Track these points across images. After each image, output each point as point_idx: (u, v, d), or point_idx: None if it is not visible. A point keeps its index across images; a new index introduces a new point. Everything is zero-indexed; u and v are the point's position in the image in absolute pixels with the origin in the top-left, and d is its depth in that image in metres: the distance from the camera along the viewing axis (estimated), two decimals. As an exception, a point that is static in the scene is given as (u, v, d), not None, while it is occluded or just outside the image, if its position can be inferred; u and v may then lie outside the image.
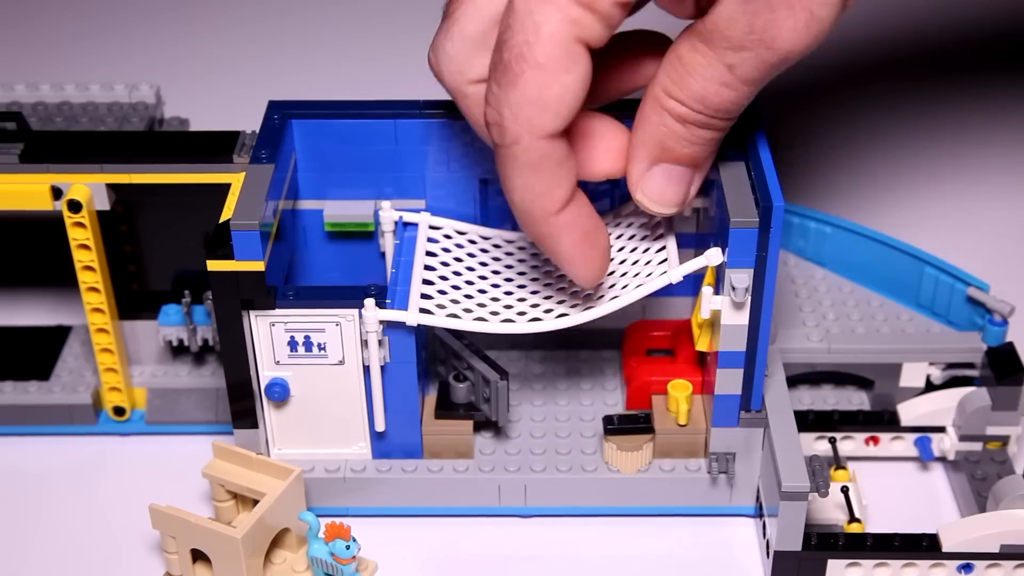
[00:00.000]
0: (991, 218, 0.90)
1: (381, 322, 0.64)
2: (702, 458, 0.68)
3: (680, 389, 0.67)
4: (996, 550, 0.64)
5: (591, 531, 0.69)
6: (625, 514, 0.69)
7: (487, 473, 0.68)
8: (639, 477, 0.68)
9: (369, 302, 0.63)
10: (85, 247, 0.69)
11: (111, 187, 0.68)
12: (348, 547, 0.63)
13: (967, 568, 0.64)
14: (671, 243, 0.65)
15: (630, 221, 0.68)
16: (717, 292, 0.62)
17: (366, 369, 0.66)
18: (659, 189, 0.60)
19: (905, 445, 0.72)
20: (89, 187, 0.68)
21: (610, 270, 0.65)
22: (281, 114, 0.69)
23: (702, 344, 0.65)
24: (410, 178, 0.71)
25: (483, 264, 0.69)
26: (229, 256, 0.62)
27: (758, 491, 0.68)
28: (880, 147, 0.97)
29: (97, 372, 0.73)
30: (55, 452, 0.74)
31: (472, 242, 0.70)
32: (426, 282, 0.67)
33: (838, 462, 0.70)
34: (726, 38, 0.54)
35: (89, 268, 0.69)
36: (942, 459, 0.72)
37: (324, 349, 0.65)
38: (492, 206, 0.71)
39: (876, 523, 0.68)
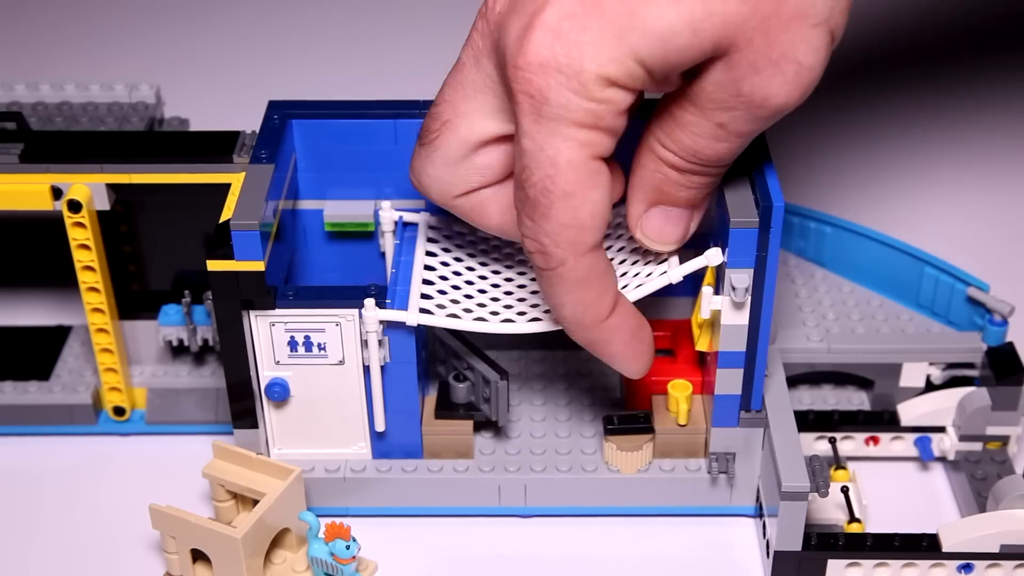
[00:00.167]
0: (991, 218, 0.90)
1: (381, 322, 0.64)
2: (702, 458, 0.68)
3: (680, 389, 0.67)
4: (996, 550, 0.64)
5: (591, 531, 0.69)
6: (625, 514, 0.69)
7: (487, 473, 0.68)
8: (639, 477, 0.68)
9: (369, 302, 0.63)
10: (85, 247, 0.69)
11: (111, 187, 0.68)
12: (348, 547, 0.63)
13: (967, 568, 0.64)
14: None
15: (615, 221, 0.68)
16: (717, 292, 0.62)
17: (366, 369, 0.66)
18: (657, 229, 0.60)
19: (905, 445, 0.72)
20: (89, 187, 0.68)
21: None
22: (281, 114, 0.69)
23: (702, 344, 0.65)
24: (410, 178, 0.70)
25: (483, 264, 0.69)
26: (229, 256, 0.62)
27: (758, 491, 0.68)
28: (880, 147, 0.97)
29: (97, 372, 0.73)
30: (55, 452, 0.74)
31: (472, 242, 0.70)
32: (426, 282, 0.67)
33: (838, 462, 0.70)
34: (714, 101, 0.54)
35: (89, 268, 0.69)
36: (942, 459, 0.72)
37: (324, 349, 0.65)
38: (492, 206, 0.71)
39: (876, 523, 0.68)
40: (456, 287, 0.67)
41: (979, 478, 0.69)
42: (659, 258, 0.63)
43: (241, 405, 0.66)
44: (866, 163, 0.95)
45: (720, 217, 0.61)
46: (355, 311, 0.64)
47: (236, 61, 1.09)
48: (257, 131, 0.69)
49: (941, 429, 0.71)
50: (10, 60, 1.09)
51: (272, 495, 0.64)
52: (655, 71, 0.53)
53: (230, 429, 0.68)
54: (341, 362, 0.66)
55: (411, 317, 0.64)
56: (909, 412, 0.72)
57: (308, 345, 0.65)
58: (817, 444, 0.72)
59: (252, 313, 0.64)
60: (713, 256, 0.61)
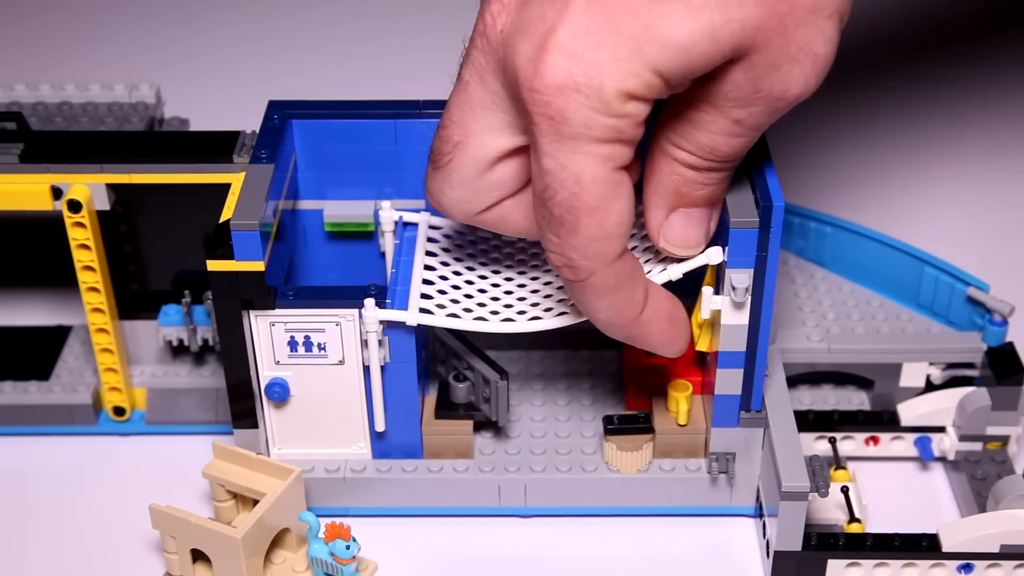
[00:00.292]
0: (991, 218, 0.90)
1: (381, 322, 0.64)
2: (702, 458, 0.68)
3: (680, 389, 0.67)
4: (996, 550, 0.64)
5: (591, 531, 0.69)
6: (625, 514, 0.69)
7: (487, 473, 0.68)
8: (639, 477, 0.68)
9: (369, 302, 0.63)
10: (85, 247, 0.69)
11: (111, 187, 0.68)
12: (348, 547, 0.63)
13: (967, 568, 0.64)
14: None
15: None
16: (717, 292, 0.62)
17: (366, 369, 0.66)
18: (681, 234, 0.60)
19: (905, 445, 0.72)
20: (89, 187, 0.68)
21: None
22: (281, 114, 0.69)
23: (702, 344, 0.65)
24: (410, 178, 0.71)
25: (483, 264, 0.68)
26: (229, 256, 0.62)
27: (758, 491, 0.68)
28: (880, 147, 0.97)
29: (97, 372, 0.73)
30: (55, 452, 0.74)
31: (472, 242, 0.70)
32: (426, 282, 0.67)
33: (838, 462, 0.70)
34: (732, 99, 0.54)
35: (89, 268, 0.69)
36: (942, 459, 0.72)
37: (324, 349, 0.65)
38: (492, 206, 0.71)
39: (876, 523, 0.68)
40: (456, 287, 0.67)
41: (979, 478, 0.69)
42: (659, 256, 0.63)
43: (241, 405, 0.66)
44: (866, 163, 0.95)
45: (720, 217, 0.61)
46: (355, 311, 0.64)
47: (236, 61, 1.09)
48: (257, 131, 0.69)
49: (941, 429, 0.71)
50: (10, 60, 1.09)
51: (272, 495, 0.64)
52: (673, 80, 0.53)
53: (230, 429, 0.68)
54: (341, 362, 0.66)
55: (411, 317, 0.64)
56: (909, 412, 0.72)
57: (308, 345, 0.65)
58: (817, 444, 0.72)
59: (252, 313, 0.64)
60: (714, 255, 0.61)
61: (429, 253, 0.69)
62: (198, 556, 0.64)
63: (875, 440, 0.72)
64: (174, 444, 0.74)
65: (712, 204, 0.60)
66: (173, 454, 0.73)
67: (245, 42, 1.12)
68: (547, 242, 0.56)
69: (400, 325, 0.64)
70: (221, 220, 0.63)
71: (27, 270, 0.85)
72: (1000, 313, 0.70)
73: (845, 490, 0.67)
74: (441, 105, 0.68)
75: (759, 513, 0.68)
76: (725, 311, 0.62)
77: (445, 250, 0.69)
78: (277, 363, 0.66)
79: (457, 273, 0.68)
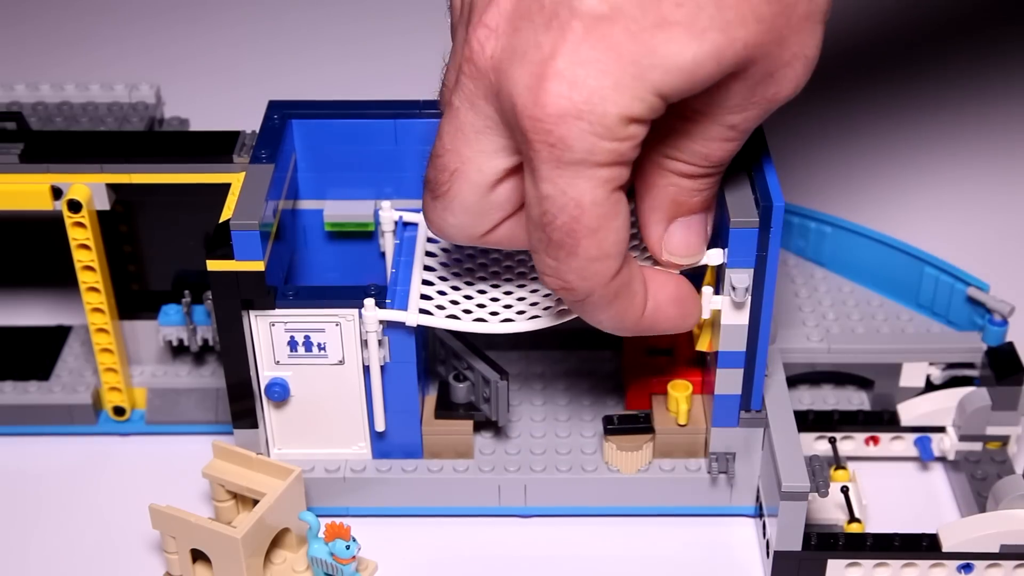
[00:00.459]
0: (991, 218, 0.90)
1: (381, 322, 0.64)
2: (702, 458, 0.68)
3: (680, 389, 0.67)
4: (996, 550, 0.64)
5: (591, 531, 0.69)
6: (625, 514, 0.69)
7: (487, 473, 0.68)
8: (639, 477, 0.68)
9: (369, 302, 0.63)
10: (85, 247, 0.69)
11: (111, 187, 0.68)
12: (348, 547, 0.63)
13: (967, 568, 0.64)
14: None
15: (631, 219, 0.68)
16: (717, 292, 0.62)
17: (366, 369, 0.66)
18: (683, 243, 0.60)
19: (905, 445, 0.72)
20: (89, 187, 0.68)
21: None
22: (281, 114, 0.69)
23: (702, 344, 0.65)
24: (410, 178, 0.71)
25: (482, 265, 0.68)
26: (229, 256, 0.62)
27: (758, 491, 0.68)
28: (880, 147, 0.97)
29: (97, 372, 0.73)
30: (55, 452, 0.74)
31: (472, 242, 0.70)
32: (426, 283, 0.67)
33: (838, 462, 0.70)
34: (726, 107, 0.54)
35: (89, 268, 0.69)
36: (942, 459, 0.72)
37: (324, 349, 0.65)
38: (492, 206, 0.71)
39: (876, 523, 0.68)
40: (456, 288, 0.67)
41: (979, 478, 0.69)
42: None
43: (241, 405, 0.66)
44: (866, 163, 0.95)
45: (720, 217, 0.61)
46: (355, 311, 0.64)
47: (236, 61, 1.09)
48: (257, 131, 0.69)
49: (941, 429, 0.71)
50: (10, 60, 1.09)
51: (272, 495, 0.64)
52: (674, 100, 0.52)
53: (230, 429, 0.68)
54: (341, 362, 0.66)
55: (411, 317, 0.64)
56: (909, 412, 0.72)
57: (308, 345, 0.65)
58: (817, 444, 0.72)
59: (252, 313, 0.64)
60: (713, 256, 0.61)
61: (429, 253, 0.69)
62: (198, 556, 0.64)
63: (875, 440, 0.72)
64: (174, 444, 0.74)
65: (707, 209, 0.60)
66: (173, 454, 0.73)
67: (245, 42, 1.12)
68: (542, 265, 0.56)
69: (400, 325, 0.64)
70: (221, 220, 0.63)
71: (27, 270, 0.85)
72: (1000, 313, 0.70)
73: (845, 490, 0.67)
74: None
75: (759, 513, 0.68)
76: (725, 311, 0.62)
77: (445, 250, 0.69)
78: (277, 363, 0.66)
79: (457, 274, 0.68)
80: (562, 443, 0.70)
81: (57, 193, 0.68)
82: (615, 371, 0.74)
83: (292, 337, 0.65)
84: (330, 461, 0.69)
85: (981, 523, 0.64)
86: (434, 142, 0.57)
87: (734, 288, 0.61)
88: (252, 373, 0.66)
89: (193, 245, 0.71)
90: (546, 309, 0.64)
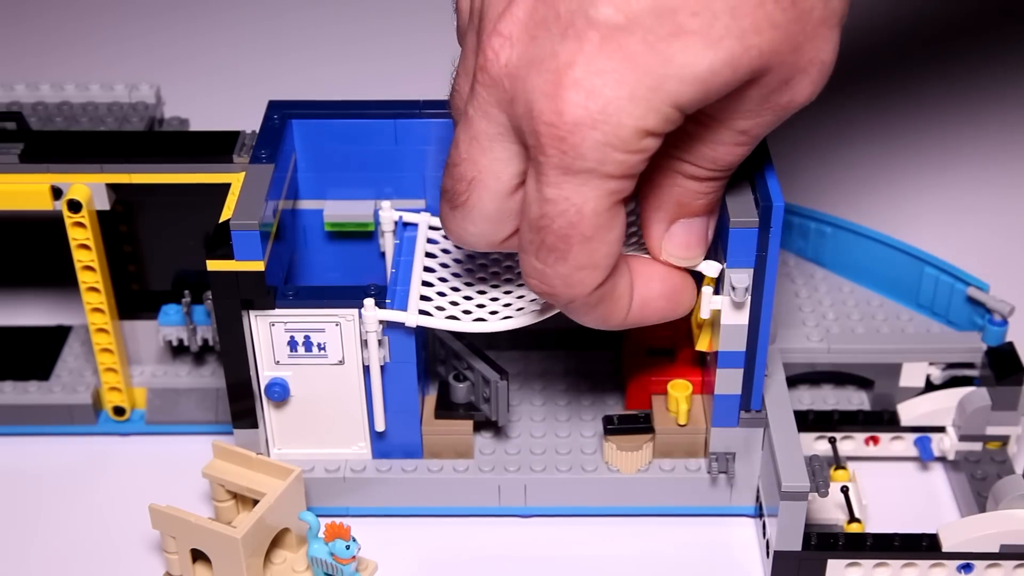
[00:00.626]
0: (991, 218, 0.90)
1: (381, 322, 0.64)
2: (702, 458, 0.68)
3: (680, 389, 0.67)
4: (996, 550, 0.64)
5: (591, 531, 0.69)
6: (625, 514, 0.69)
7: (487, 473, 0.68)
8: (639, 477, 0.68)
9: (369, 302, 0.63)
10: (85, 247, 0.69)
11: (111, 187, 0.68)
12: (348, 547, 0.63)
13: (967, 568, 0.64)
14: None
15: (630, 219, 0.68)
16: (717, 292, 0.62)
17: (366, 369, 0.66)
18: (683, 244, 0.60)
19: (905, 445, 0.72)
20: (89, 187, 0.68)
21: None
22: (281, 114, 0.69)
23: (702, 344, 0.65)
24: (410, 178, 0.71)
25: (482, 265, 0.68)
26: (229, 256, 0.62)
27: (758, 491, 0.68)
28: (880, 147, 0.97)
29: (97, 372, 0.73)
30: (55, 452, 0.74)
31: (472, 242, 0.70)
32: (425, 283, 0.67)
33: (838, 462, 0.70)
34: (739, 112, 0.54)
35: (89, 268, 0.69)
36: (942, 459, 0.72)
37: (324, 349, 0.65)
38: (492, 206, 0.71)
39: (876, 523, 0.68)
40: (455, 289, 0.67)
41: (979, 478, 0.69)
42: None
43: (241, 405, 0.66)
44: (866, 163, 0.95)
45: (720, 217, 0.61)
46: (355, 311, 0.64)
47: (236, 61, 1.09)
48: (257, 131, 0.69)
49: (941, 429, 0.71)
50: (10, 60, 1.09)
51: (272, 495, 0.64)
52: (691, 110, 0.52)
53: (230, 429, 0.68)
54: (341, 362, 0.66)
55: (411, 318, 0.64)
56: (909, 412, 0.72)
57: (308, 345, 0.65)
58: (817, 444, 0.72)
59: (252, 313, 0.64)
60: (709, 268, 0.61)
61: (429, 254, 0.69)
62: (198, 556, 0.64)
63: (875, 440, 0.72)
64: (174, 444, 0.74)
65: (710, 212, 0.60)
66: (173, 454, 0.73)
67: (245, 42, 1.12)
68: (529, 267, 0.56)
69: (400, 325, 0.64)
70: (221, 220, 0.63)
71: (27, 270, 0.85)
72: (1000, 313, 0.70)
73: (845, 490, 0.67)
74: (441, 105, 0.69)
75: (759, 513, 0.68)
76: (725, 311, 0.62)
77: (445, 251, 0.69)
78: (277, 363, 0.66)
79: (456, 275, 0.68)
80: (562, 443, 0.70)
81: (57, 193, 0.68)
82: (615, 371, 0.74)
83: (292, 337, 0.65)
84: (330, 461, 0.69)
85: (981, 523, 0.64)
86: (449, 152, 0.57)
87: (734, 288, 0.61)
88: (252, 373, 0.66)
89: (193, 245, 0.71)
90: (544, 303, 0.64)
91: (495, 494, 0.69)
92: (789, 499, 0.62)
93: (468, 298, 0.66)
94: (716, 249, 0.62)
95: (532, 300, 0.65)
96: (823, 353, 0.72)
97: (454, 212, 0.58)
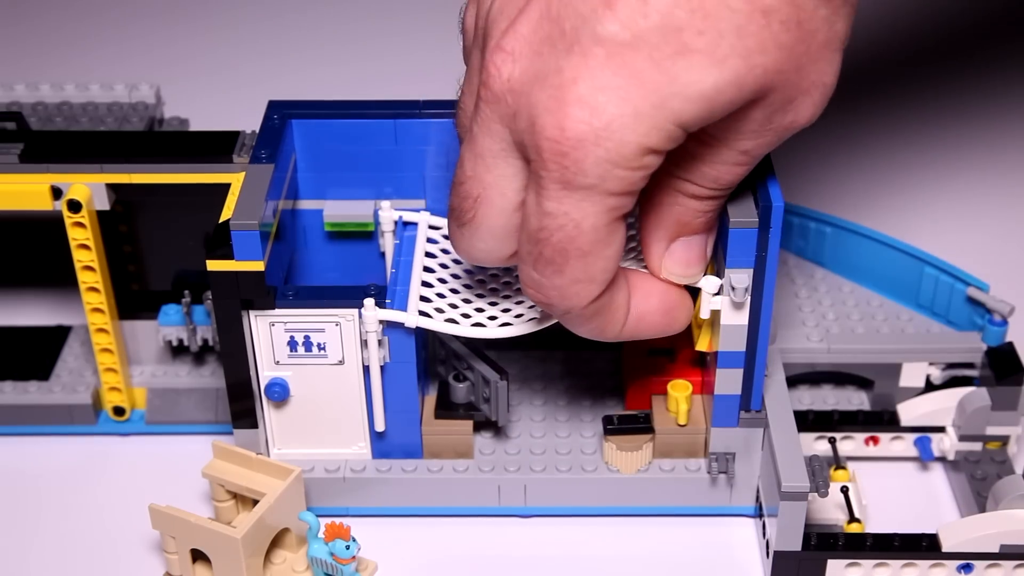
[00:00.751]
0: (991, 218, 0.90)
1: (381, 322, 0.64)
2: (702, 458, 0.68)
3: (680, 389, 0.67)
4: (996, 550, 0.64)
5: (591, 531, 0.69)
6: (625, 514, 0.69)
7: (487, 473, 0.68)
8: (639, 477, 0.68)
9: (369, 302, 0.63)
10: (85, 247, 0.69)
11: (111, 187, 0.68)
12: (348, 547, 0.63)
13: (967, 568, 0.64)
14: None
15: (629, 233, 0.68)
16: (717, 292, 0.62)
17: (366, 369, 0.66)
18: (682, 262, 0.60)
19: (905, 445, 0.72)
20: (89, 187, 0.68)
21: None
22: (281, 114, 0.69)
23: (702, 344, 0.65)
24: (410, 178, 0.71)
25: (483, 268, 0.68)
26: (229, 256, 0.62)
27: (758, 491, 0.68)
28: (880, 147, 0.97)
29: (97, 372, 0.73)
30: (55, 452, 0.74)
31: (472, 242, 0.70)
32: (425, 283, 0.67)
33: (838, 462, 0.70)
34: (742, 133, 0.54)
35: (89, 268, 0.69)
36: (942, 459, 0.72)
37: (324, 349, 0.65)
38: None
39: (876, 523, 0.68)
40: (455, 290, 0.67)
41: (979, 478, 0.69)
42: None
43: (241, 405, 0.66)
44: (866, 163, 0.95)
45: (720, 218, 0.61)
46: (355, 311, 0.64)
47: (236, 61, 1.09)
48: (257, 131, 0.69)
49: (941, 429, 0.71)
50: (10, 60, 1.09)
51: (272, 495, 0.64)
52: (694, 129, 0.52)
53: (230, 429, 0.68)
54: (341, 362, 0.66)
55: (410, 318, 0.64)
56: (909, 412, 0.72)
57: (308, 345, 0.65)
58: (817, 444, 0.72)
59: (252, 313, 0.64)
60: (708, 285, 0.61)
61: (428, 254, 0.69)
62: (198, 556, 0.64)
63: (875, 440, 0.72)
64: (174, 444, 0.74)
65: (709, 230, 0.60)
66: (173, 454, 0.73)
67: (245, 42, 1.12)
68: (526, 277, 0.56)
69: (400, 325, 0.64)
70: (221, 220, 0.63)
71: (27, 270, 0.85)
72: (1000, 313, 0.70)
73: (845, 490, 0.67)
74: (441, 105, 0.69)
75: (759, 513, 0.68)
76: (725, 311, 0.62)
77: (444, 251, 0.69)
78: (277, 363, 0.66)
79: (456, 276, 0.68)
80: (562, 443, 0.70)
81: (57, 193, 0.68)
82: (615, 371, 0.74)
83: (292, 337, 0.65)
84: (330, 461, 0.69)
85: (981, 523, 0.64)
86: (455, 170, 0.57)
87: (734, 288, 0.61)
88: (252, 373, 0.66)
89: (193, 245, 0.71)
90: (543, 312, 0.64)
91: (495, 494, 0.69)
92: (789, 499, 0.62)
93: (467, 301, 0.66)
94: (716, 249, 0.62)
95: (531, 307, 0.65)
96: (823, 353, 0.72)
97: (462, 230, 0.58)
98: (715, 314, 0.63)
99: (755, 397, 0.65)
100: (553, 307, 0.57)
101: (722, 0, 0.50)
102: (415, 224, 0.70)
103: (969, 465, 0.70)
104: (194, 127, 0.78)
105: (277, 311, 0.64)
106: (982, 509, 0.67)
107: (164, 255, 0.73)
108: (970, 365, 0.72)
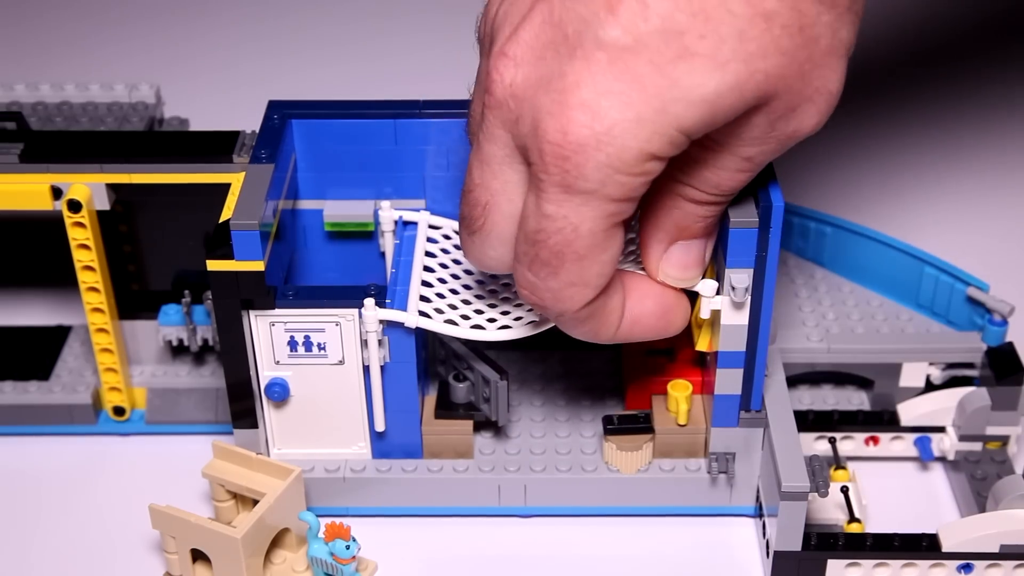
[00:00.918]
0: (991, 218, 0.90)
1: (381, 322, 0.64)
2: (702, 458, 0.68)
3: (680, 389, 0.67)
4: (996, 550, 0.64)
5: (591, 531, 0.69)
6: (625, 514, 0.69)
7: (487, 473, 0.68)
8: (639, 477, 0.68)
9: (369, 302, 0.63)
10: (85, 247, 0.69)
11: (111, 187, 0.68)
12: (348, 547, 0.63)
13: (967, 568, 0.64)
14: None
15: (628, 236, 0.68)
16: (717, 292, 0.62)
17: (366, 369, 0.66)
18: (680, 266, 0.60)
19: (905, 445, 0.72)
20: (89, 187, 0.68)
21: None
22: (281, 114, 0.69)
23: (702, 344, 0.65)
24: (410, 178, 0.71)
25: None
26: (229, 256, 0.62)
27: (758, 491, 0.68)
28: (880, 147, 0.97)
29: (97, 372, 0.73)
30: (55, 452, 0.74)
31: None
32: (425, 283, 0.67)
33: (838, 462, 0.70)
34: (745, 140, 0.54)
35: (89, 268, 0.69)
36: (942, 459, 0.72)
37: (324, 349, 0.65)
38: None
39: (876, 523, 0.68)
40: (454, 291, 0.67)
41: (979, 478, 0.69)
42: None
43: (241, 405, 0.66)
44: (866, 163, 0.95)
45: (720, 218, 0.61)
46: (355, 311, 0.64)
47: (236, 61, 1.09)
48: (257, 131, 0.69)
49: (941, 429, 0.71)
50: (10, 60, 1.09)
51: (272, 495, 0.64)
52: (696, 134, 0.52)
53: (230, 429, 0.68)
54: (341, 362, 0.66)
55: (410, 318, 0.64)
56: (909, 412, 0.72)
57: (308, 345, 0.65)
58: (817, 444, 0.72)
59: (252, 313, 0.64)
60: (706, 288, 0.61)
61: (429, 253, 0.69)
62: (198, 556, 0.64)
63: (875, 440, 0.72)
64: (174, 444, 0.74)
65: (709, 235, 0.60)
66: (173, 454, 0.73)
67: (245, 42, 1.12)
68: (521, 278, 0.56)
69: (400, 325, 0.64)
70: (221, 220, 0.63)
71: (27, 270, 0.85)
72: (1000, 313, 0.70)
73: (845, 490, 0.67)
74: (441, 105, 0.69)
75: (759, 513, 0.68)
76: (725, 311, 0.62)
77: (444, 251, 0.69)
78: (277, 363, 0.66)
79: (456, 276, 0.68)
80: (562, 443, 0.70)
81: (57, 193, 0.68)
82: (615, 371, 0.74)
83: (292, 337, 0.65)
84: (330, 461, 0.69)
85: (981, 523, 0.64)
86: (464, 177, 0.57)
87: (734, 288, 0.61)
88: (252, 373, 0.66)
89: (193, 245, 0.71)
90: (541, 316, 0.64)
91: (495, 494, 0.69)
92: (789, 499, 0.62)
93: (467, 302, 0.66)
94: (716, 249, 0.62)
95: (530, 310, 0.65)
96: (823, 353, 0.72)
97: (472, 238, 0.58)
98: (715, 314, 0.63)
99: (755, 397, 0.65)
100: (546, 309, 0.57)
101: (723, 4, 0.50)
102: (415, 224, 0.70)
103: (969, 465, 0.70)
104: (194, 127, 0.78)
105: (277, 311, 0.64)
106: (982, 509, 0.67)
107: (164, 255, 0.73)
108: (970, 365, 0.72)
